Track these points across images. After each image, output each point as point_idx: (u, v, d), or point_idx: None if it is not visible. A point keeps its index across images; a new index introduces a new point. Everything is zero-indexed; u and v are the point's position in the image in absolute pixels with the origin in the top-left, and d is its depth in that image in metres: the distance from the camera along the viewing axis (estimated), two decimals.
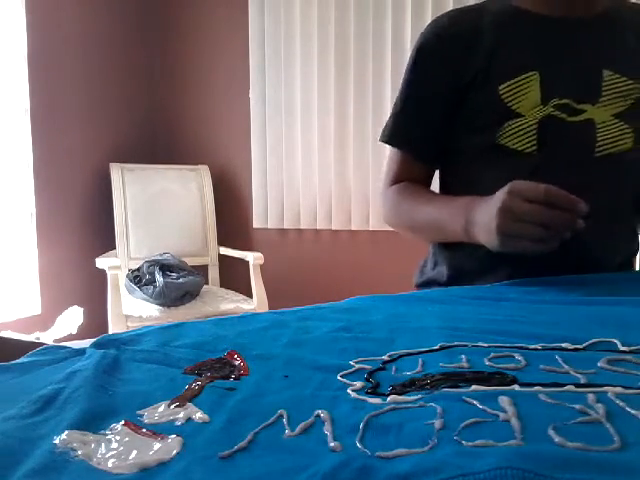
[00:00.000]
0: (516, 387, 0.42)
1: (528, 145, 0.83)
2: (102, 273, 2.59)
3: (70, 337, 2.69)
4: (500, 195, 0.71)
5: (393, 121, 0.95)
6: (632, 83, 0.83)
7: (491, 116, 0.85)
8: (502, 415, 0.37)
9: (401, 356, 0.51)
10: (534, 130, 0.83)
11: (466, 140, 0.89)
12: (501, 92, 0.84)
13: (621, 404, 0.38)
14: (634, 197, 0.89)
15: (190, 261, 2.85)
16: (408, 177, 0.95)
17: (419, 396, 0.41)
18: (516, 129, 0.83)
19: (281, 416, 0.39)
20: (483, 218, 0.74)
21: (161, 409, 0.41)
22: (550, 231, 0.68)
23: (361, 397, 0.42)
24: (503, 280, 0.81)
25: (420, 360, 0.49)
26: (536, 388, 0.41)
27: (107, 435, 0.37)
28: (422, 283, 0.98)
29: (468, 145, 0.89)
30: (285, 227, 3.19)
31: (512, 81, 0.83)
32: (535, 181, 0.76)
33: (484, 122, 0.86)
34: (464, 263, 0.90)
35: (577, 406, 0.38)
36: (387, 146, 0.98)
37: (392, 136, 0.95)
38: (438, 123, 0.91)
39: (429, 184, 0.99)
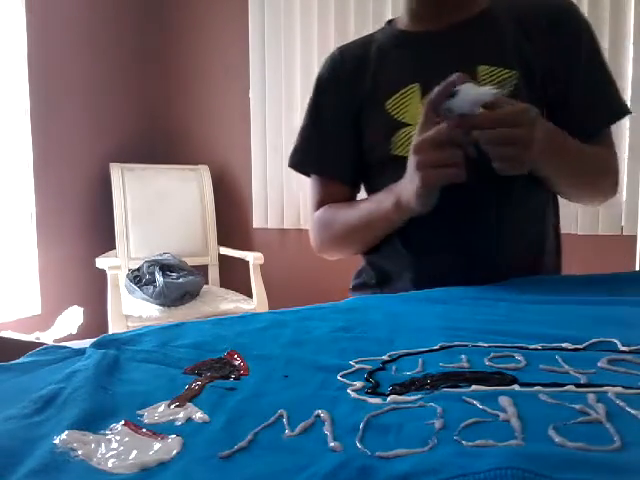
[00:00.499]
0: (516, 387, 0.42)
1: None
2: (102, 273, 2.59)
3: (70, 337, 2.69)
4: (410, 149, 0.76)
5: (300, 148, 1.01)
6: (508, 72, 0.87)
7: (383, 130, 0.91)
8: (502, 415, 0.37)
9: (401, 356, 0.51)
10: None
11: (369, 156, 0.95)
12: (387, 107, 0.91)
13: (621, 404, 0.38)
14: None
15: (190, 261, 2.85)
16: (330, 199, 0.99)
17: (419, 396, 0.41)
18: (404, 138, 0.89)
19: (281, 416, 0.39)
20: (405, 179, 0.80)
21: (161, 409, 0.41)
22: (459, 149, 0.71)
23: (361, 397, 0.42)
24: (408, 285, 0.89)
25: (420, 360, 0.49)
26: (536, 388, 0.41)
27: (107, 435, 0.37)
28: (355, 286, 1.02)
29: (371, 160, 0.95)
30: (285, 227, 3.19)
31: (395, 96, 0.90)
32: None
33: (378, 137, 0.92)
34: (385, 265, 0.96)
35: (577, 406, 0.38)
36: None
37: (301, 162, 1.01)
38: (344, 144, 0.97)
39: None
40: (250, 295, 2.75)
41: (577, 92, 0.88)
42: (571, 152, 0.84)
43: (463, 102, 0.68)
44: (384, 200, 0.86)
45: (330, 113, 0.98)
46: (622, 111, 0.91)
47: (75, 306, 2.82)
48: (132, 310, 2.48)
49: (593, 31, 0.90)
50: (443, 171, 0.72)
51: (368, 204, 0.91)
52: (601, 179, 0.92)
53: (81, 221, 2.92)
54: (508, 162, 0.71)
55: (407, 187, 0.79)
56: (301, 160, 1.01)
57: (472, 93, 0.68)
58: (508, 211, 0.87)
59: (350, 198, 1.01)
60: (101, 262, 2.62)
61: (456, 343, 0.53)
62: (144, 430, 0.37)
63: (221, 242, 3.12)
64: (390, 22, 1.01)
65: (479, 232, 0.86)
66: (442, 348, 0.52)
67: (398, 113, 0.90)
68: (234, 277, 3.07)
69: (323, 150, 0.99)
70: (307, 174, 1.03)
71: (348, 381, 0.45)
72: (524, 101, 0.83)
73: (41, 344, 0.56)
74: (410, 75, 0.90)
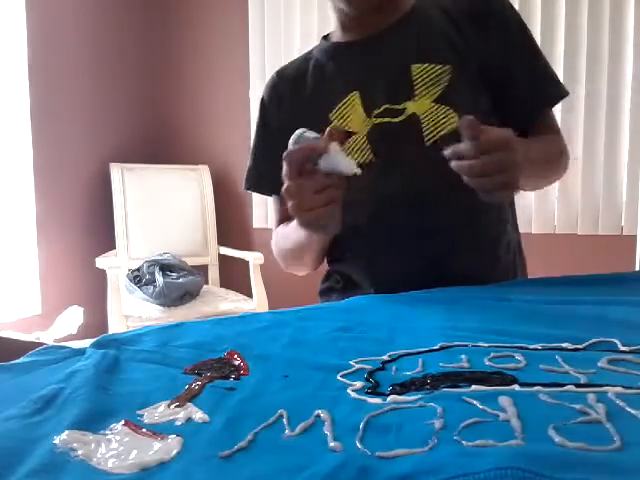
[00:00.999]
0: (516, 387, 0.42)
1: (365, 156, 0.88)
2: (102, 273, 2.59)
3: (70, 337, 2.69)
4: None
5: (254, 169, 1.03)
6: (440, 67, 0.87)
7: None
8: (502, 415, 0.37)
9: (401, 356, 0.51)
10: (365, 141, 0.88)
11: None
12: (332, 119, 0.91)
13: (621, 404, 0.38)
14: None
15: (190, 261, 2.85)
16: (288, 218, 0.95)
17: (419, 396, 0.41)
18: (352, 146, 0.89)
19: (281, 416, 0.39)
20: None
21: (161, 409, 0.41)
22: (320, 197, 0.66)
23: (361, 397, 0.42)
24: (369, 289, 0.89)
25: (420, 360, 0.49)
26: (536, 388, 0.41)
27: (107, 435, 0.37)
28: (322, 290, 1.03)
29: None
30: None
31: (338, 106, 0.91)
32: (378, 185, 0.85)
33: None
34: (346, 270, 0.96)
35: (577, 406, 0.38)
36: None
37: (256, 184, 1.03)
38: None
39: None
40: (250, 295, 2.75)
41: (516, 78, 0.89)
42: (538, 158, 0.83)
43: (330, 165, 0.66)
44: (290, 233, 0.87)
45: (275, 133, 0.96)
46: (561, 92, 0.91)
47: (75, 306, 2.82)
48: (132, 310, 2.48)
49: (521, 17, 0.92)
50: (317, 213, 0.67)
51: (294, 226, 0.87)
52: (556, 165, 0.93)
53: (81, 221, 2.92)
54: (500, 190, 0.67)
55: None
56: (255, 182, 1.03)
57: (338, 160, 0.66)
58: (461, 213, 0.86)
59: None
60: (101, 262, 2.62)
61: (456, 343, 0.53)
62: (144, 430, 0.37)
63: (221, 242, 3.12)
64: (325, 37, 1.01)
65: (432, 235, 0.86)
66: (442, 348, 0.52)
67: (343, 123, 0.90)
68: (234, 277, 3.07)
69: (274, 169, 0.95)
70: (261, 192, 1.04)
71: (348, 381, 0.45)
72: (460, 92, 0.86)
73: (41, 344, 0.56)
74: (348, 84, 0.91)
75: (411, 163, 0.87)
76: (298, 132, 0.71)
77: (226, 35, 3.22)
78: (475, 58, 0.88)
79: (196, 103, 3.31)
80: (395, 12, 0.91)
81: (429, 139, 0.86)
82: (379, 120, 0.88)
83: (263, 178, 1.01)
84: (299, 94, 0.96)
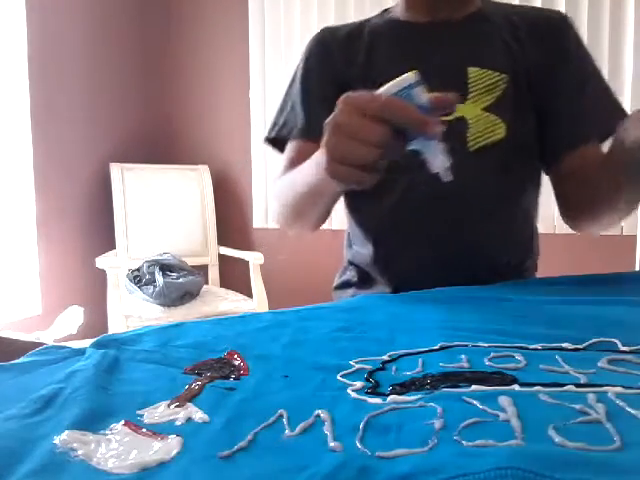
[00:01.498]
0: (516, 387, 0.42)
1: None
2: (102, 273, 2.59)
3: (70, 337, 2.69)
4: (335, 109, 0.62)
5: (278, 119, 0.96)
6: (497, 75, 0.85)
7: None
8: (502, 415, 0.37)
9: (401, 356, 0.51)
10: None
11: None
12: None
13: (621, 404, 0.38)
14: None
15: (190, 261, 2.85)
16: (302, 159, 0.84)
17: (419, 396, 0.41)
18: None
19: (281, 416, 0.39)
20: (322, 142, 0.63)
21: (161, 409, 0.41)
22: (378, 153, 0.54)
23: (361, 397, 0.42)
24: (386, 287, 0.87)
25: (420, 360, 0.49)
26: (536, 388, 0.41)
27: (107, 435, 0.37)
28: (338, 285, 1.01)
29: None
30: None
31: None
32: (414, 184, 0.81)
33: None
34: (364, 265, 0.93)
35: (577, 406, 0.38)
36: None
37: (278, 131, 0.94)
38: (331, 108, 0.85)
39: None
40: (250, 295, 2.75)
41: (567, 103, 0.86)
42: None
43: (426, 152, 0.55)
44: (312, 160, 0.71)
45: (316, 83, 0.93)
46: (608, 130, 0.81)
47: (75, 306, 2.82)
48: (132, 310, 2.48)
49: (585, 46, 0.89)
50: (348, 172, 0.56)
51: (301, 166, 0.77)
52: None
53: (81, 221, 2.93)
54: None
55: (319, 157, 0.65)
56: (279, 129, 0.94)
57: (437, 152, 0.56)
58: (497, 208, 0.86)
59: None
60: (101, 262, 2.62)
61: (456, 343, 0.53)
62: (144, 430, 0.37)
63: (221, 242, 3.12)
64: (385, 10, 0.98)
65: (461, 230, 0.85)
66: (442, 348, 0.52)
67: None
68: (234, 277, 3.07)
69: (307, 115, 0.91)
70: (281, 149, 0.94)
71: (348, 381, 0.45)
72: (510, 105, 0.83)
73: (41, 344, 0.55)
74: (403, 62, 0.81)
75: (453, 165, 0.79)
76: (409, 78, 0.55)
77: (226, 35, 3.21)
78: (530, 75, 0.86)
79: (196, 103, 3.31)
80: (462, 7, 0.89)
81: (473, 145, 0.85)
82: None
83: (289, 123, 0.94)
84: (348, 55, 0.92)
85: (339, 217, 3.16)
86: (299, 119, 0.92)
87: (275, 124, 0.96)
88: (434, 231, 0.85)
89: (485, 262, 0.86)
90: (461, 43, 0.88)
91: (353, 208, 0.95)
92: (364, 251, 0.92)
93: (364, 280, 0.94)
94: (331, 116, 0.57)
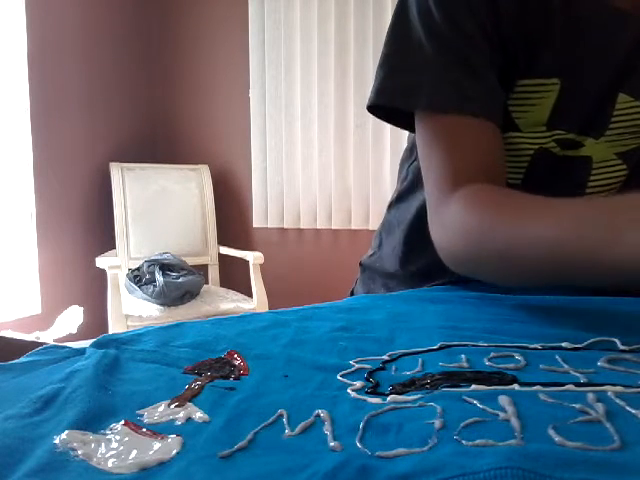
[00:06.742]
0: (516, 386, 0.42)
1: (515, 176, 0.68)
2: (102, 273, 2.59)
3: (70, 337, 2.69)
4: None
5: (403, 78, 0.63)
6: None
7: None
8: (502, 414, 0.37)
9: (401, 356, 0.51)
10: (528, 158, 0.66)
11: None
12: (514, 92, 0.63)
13: (621, 403, 0.38)
14: None
15: (190, 261, 2.85)
16: (484, 159, 0.61)
17: (419, 396, 0.41)
18: (511, 150, 0.66)
19: (281, 416, 0.39)
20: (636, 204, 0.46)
21: (161, 409, 0.41)
22: None
23: (361, 397, 0.42)
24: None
25: (420, 360, 0.49)
26: (536, 387, 0.41)
27: (107, 435, 0.37)
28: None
29: None
30: (285, 226, 3.19)
31: (531, 81, 0.62)
32: None
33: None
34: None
35: (577, 405, 0.38)
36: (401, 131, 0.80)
37: (403, 96, 0.63)
38: (495, 64, 0.62)
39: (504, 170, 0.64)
40: (250, 295, 2.75)
41: None
42: None
43: None
44: (591, 226, 0.47)
45: (472, 22, 0.61)
46: None
47: (75, 306, 2.82)
48: (132, 310, 2.48)
49: None
50: None
51: (565, 222, 0.50)
52: None
53: (81, 221, 2.92)
54: None
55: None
56: (406, 93, 0.63)
57: None
58: None
59: (502, 150, 0.63)
60: (101, 262, 2.62)
61: (456, 343, 0.53)
62: (144, 430, 0.37)
63: (221, 242, 3.13)
64: None
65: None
66: (442, 348, 0.52)
67: (517, 108, 0.64)
68: (234, 277, 3.07)
69: (472, 76, 0.61)
70: (405, 126, 0.68)
71: (348, 381, 0.45)
72: None
73: (41, 344, 0.55)
74: (554, 64, 0.62)
75: None
76: None
77: (226, 35, 3.21)
78: None
79: (196, 103, 3.31)
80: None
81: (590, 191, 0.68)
82: (547, 142, 0.65)
83: (421, 87, 0.62)
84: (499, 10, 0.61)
85: (339, 218, 3.16)
86: (449, 86, 0.61)
87: (385, 86, 0.65)
88: None
89: None
90: (627, 51, 0.62)
91: None
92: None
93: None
94: None
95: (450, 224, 0.60)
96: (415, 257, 0.81)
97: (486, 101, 0.61)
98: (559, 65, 0.62)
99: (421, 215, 0.69)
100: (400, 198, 0.85)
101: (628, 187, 0.68)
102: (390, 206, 0.89)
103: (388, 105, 0.66)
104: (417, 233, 0.71)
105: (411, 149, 0.84)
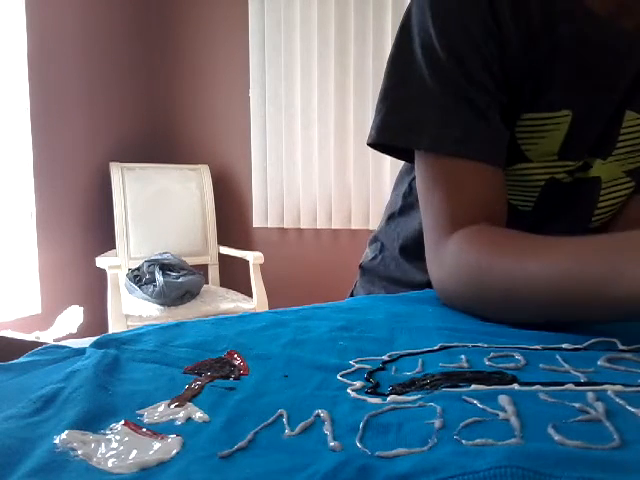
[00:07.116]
0: (516, 386, 0.42)
1: (526, 204, 0.69)
2: (102, 272, 2.59)
3: (70, 336, 2.69)
4: None
5: (403, 115, 0.63)
6: None
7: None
8: (502, 414, 0.37)
9: (401, 356, 0.51)
10: (539, 188, 0.66)
11: None
12: (520, 125, 0.63)
13: (621, 402, 0.38)
14: None
15: (190, 260, 2.85)
16: (485, 201, 0.61)
17: (419, 396, 0.41)
18: (521, 181, 0.66)
19: (281, 416, 0.39)
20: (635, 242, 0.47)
21: (161, 409, 0.41)
22: None
23: (361, 397, 0.42)
24: None
25: (420, 360, 0.49)
26: (536, 387, 0.41)
27: (107, 435, 0.37)
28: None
29: None
30: (285, 226, 3.19)
31: (539, 115, 0.62)
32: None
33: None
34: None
35: (577, 404, 0.38)
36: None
37: (439, 137, 0.60)
38: (497, 103, 0.61)
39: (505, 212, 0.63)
40: (250, 295, 2.75)
41: None
42: None
43: None
44: (597, 258, 0.48)
45: (471, 50, 0.59)
46: None
47: (75, 305, 2.82)
48: (132, 310, 2.48)
49: None
50: None
51: (565, 260, 0.50)
52: None
53: (81, 221, 2.93)
54: None
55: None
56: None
57: None
58: None
59: (503, 192, 0.63)
60: (101, 261, 2.62)
61: (456, 343, 0.53)
62: (144, 430, 0.37)
63: (221, 241, 3.13)
64: None
65: None
66: (442, 348, 0.52)
67: (526, 140, 0.64)
68: (234, 277, 3.07)
69: (475, 117, 0.60)
70: (406, 157, 0.68)
71: (348, 381, 0.45)
72: None
73: (41, 344, 0.55)
74: (569, 87, 0.61)
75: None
76: None
77: (226, 35, 3.21)
78: None
79: (196, 103, 3.31)
80: None
81: (598, 220, 0.69)
82: (560, 173, 0.65)
83: (418, 125, 0.61)
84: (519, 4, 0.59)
85: (339, 218, 3.16)
86: (457, 129, 0.61)
87: (387, 123, 0.64)
88: None
89: None
90: (631, 72, 0.61)
91: None
92: None
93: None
94: None
95: (449, 263, 0.61)
96: (415, 270, 0.83)
97: (489, 144, 0.61)
98: (570, 97, 0.61)
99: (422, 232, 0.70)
100: (402, 212, 0.86)
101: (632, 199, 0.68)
102: (390, 218, 0.89)
103: (389, 143, 0.66)
104: (419, 249, 0.70)
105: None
